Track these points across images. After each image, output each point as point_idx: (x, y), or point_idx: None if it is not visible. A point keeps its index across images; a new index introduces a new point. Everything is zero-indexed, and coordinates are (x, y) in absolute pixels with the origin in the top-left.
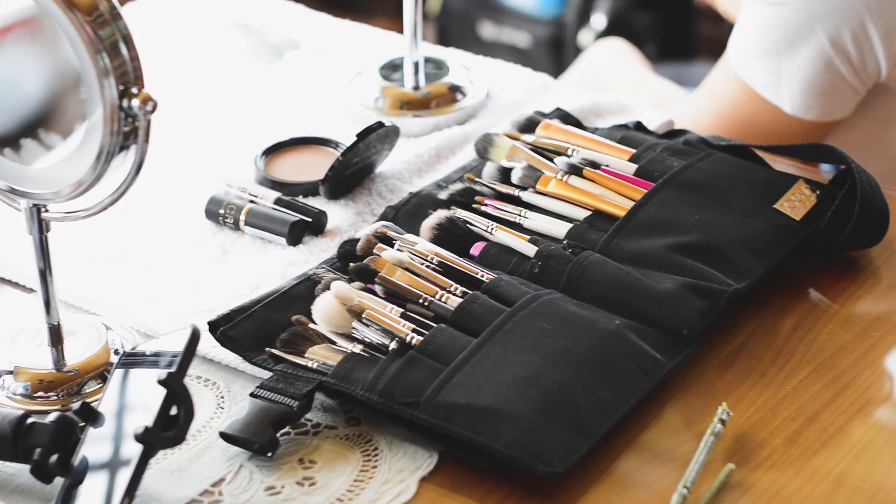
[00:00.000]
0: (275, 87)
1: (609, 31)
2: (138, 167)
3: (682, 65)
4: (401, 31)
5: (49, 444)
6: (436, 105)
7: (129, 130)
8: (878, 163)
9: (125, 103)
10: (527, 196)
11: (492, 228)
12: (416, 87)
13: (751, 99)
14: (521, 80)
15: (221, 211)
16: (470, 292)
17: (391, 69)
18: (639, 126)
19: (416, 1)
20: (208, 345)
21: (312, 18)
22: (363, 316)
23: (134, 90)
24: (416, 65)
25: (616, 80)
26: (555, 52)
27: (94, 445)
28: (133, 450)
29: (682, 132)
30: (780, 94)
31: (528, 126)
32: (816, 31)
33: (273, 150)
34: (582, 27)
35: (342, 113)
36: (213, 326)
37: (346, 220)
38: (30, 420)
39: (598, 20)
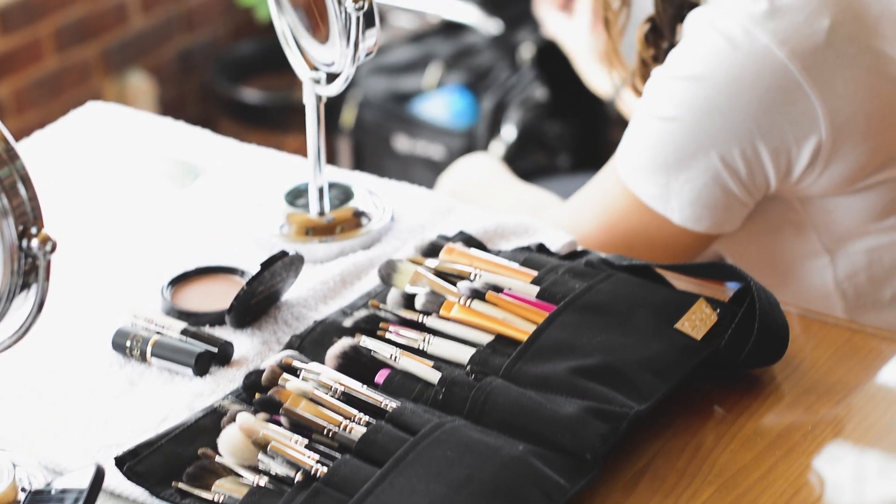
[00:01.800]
0: (182, 215)
1: (520, 142)
2: (40, 306)
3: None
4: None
5: None
6: (341, 231)
7: (28, 269)
8: (770, 274)
9: (25, 244)
10: (430, 322)
11: (396, 356)
12: (322, 213)
13: (638, 209)
14: (425, 202)
15: (128, 343)
16: (374, 422)
17: (297, 195)
18: (541, 248)
19: (319, 128)
20: (116, 480)
21: (219, 144)
22: (268, 448)
23: (33, 230)
24: (321, 190)
25: (488, 193)
26: None
27: None
28: None
29: (584, 253)
30: (668, 206)
31: (432, 250)
32: (707, 149)
33: (180, 280)
34: (493, 138)
35: (249, 240)
36: (120, 462)
37: (253, 349)
38: None
39: (509, 131)
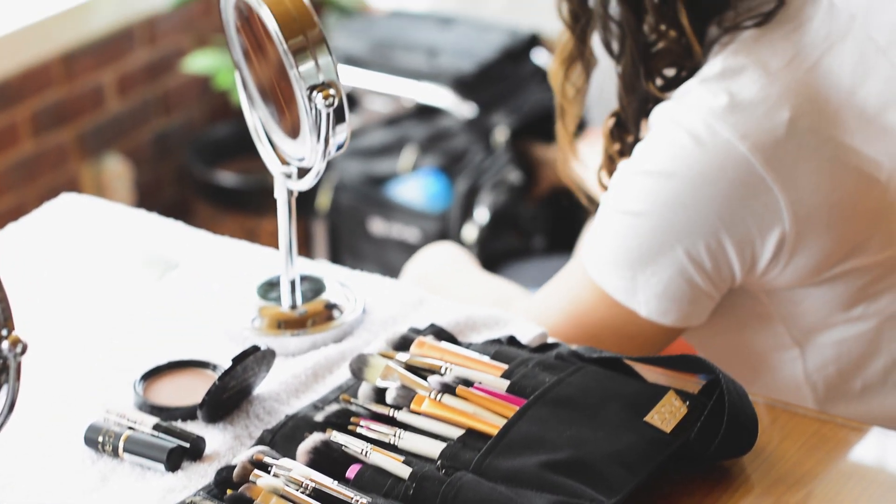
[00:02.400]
0: (155, 308)
1: (494, 224)
2: (11, 406)
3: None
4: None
5: None
6: (312, 324)
7: None
8: (740, 367)
9: None
10: (401, 416)
11: (367, 450)
12: (294, 306)
13: (605, 302)
14: (397, 294)
15: (100, 438)
16: None
17: (269, 287)
18: (512, 340)
19: (291, 222)
20: None
21: (193, 236)
22: None
23: (3, 332)
24: (293, 283)
25: (453, 285)
26: None
27: None
28: None
29: (554, 345)
30: (635, 299)
31: (403, 344)
32: (672, 244)
33: (152, 374)
34: (467, 221)
35: (222, 334)
36: None
37: (225, 444)
38: None
39: (483, 214)
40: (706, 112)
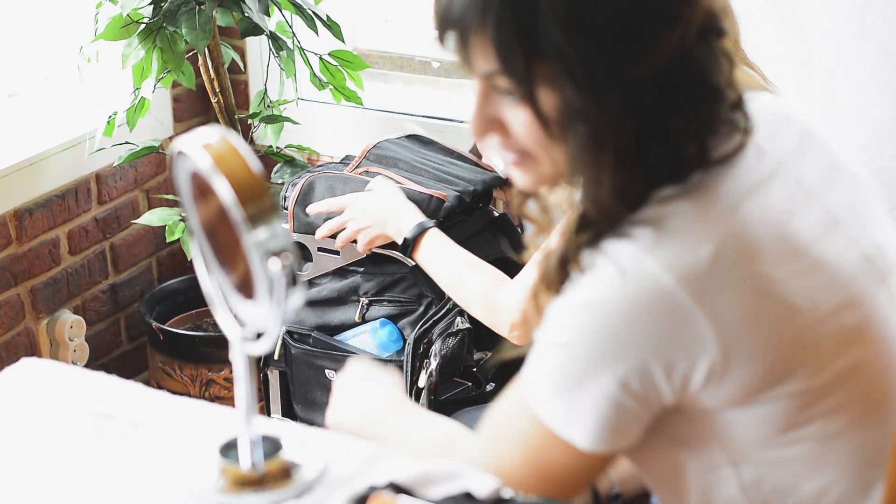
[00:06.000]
0: (115, 471)
1: (445, 372)
2: None
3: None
4: None
5: None
6: (272, 482)
7: None
8: (679, 485)
9: None
10: None
11: None
12: (254, 465)
13: (548, 436)
14: (355, 451)
15: None
16: None
17: (230, 447)
18: (468, 496)
19: (249, 384)
20: None
21: (152, 397)
22: None
23: None
24: (252, 443)
25: (393, 428)
26: None
27: None
28: None
29: (509, 500)
30: (572, 429)
31: (361, 500)
32: (602, 372)
33: None
34: (419, 369)
35: (184, 495)
36: None
37: None
38: None
39: (434, 361)
40: (632, 246)
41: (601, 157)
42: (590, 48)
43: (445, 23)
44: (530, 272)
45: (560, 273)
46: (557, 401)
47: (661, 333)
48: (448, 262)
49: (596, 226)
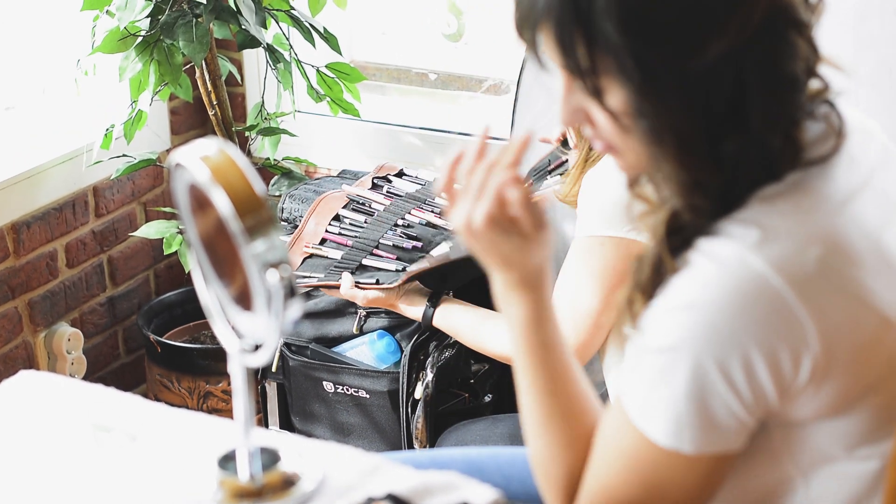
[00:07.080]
0: (114, 483)
1: (442, 383)
2: None
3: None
4: None
5: None
6: (271, 494)
7: None
8: (745, 498)
9: None
10: None
11: None
12: (252, 477)
13: (657, 454)
14: (353, 462)
15: None
16: None
17: (228, 459)
18: None
19: (248, 396)
20: None
21: (150, 409)
22: None
23: None
24: (251, 455)
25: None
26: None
27: None
28: None
29: None
30: (680, 437)
31: None
32: (709, 370)
33: None
34: (416, 380)
35: None
36: None
37: None
38: None
39: (430, 373)
40: (737, 245)
41: (664, 151)
42: (640, 43)
43: (521, 19)
44: (562, 299)
45: (654, 278)
46: (664, 407)
47: (767, 327)
48: (462, 326)
49: (691, 226)
